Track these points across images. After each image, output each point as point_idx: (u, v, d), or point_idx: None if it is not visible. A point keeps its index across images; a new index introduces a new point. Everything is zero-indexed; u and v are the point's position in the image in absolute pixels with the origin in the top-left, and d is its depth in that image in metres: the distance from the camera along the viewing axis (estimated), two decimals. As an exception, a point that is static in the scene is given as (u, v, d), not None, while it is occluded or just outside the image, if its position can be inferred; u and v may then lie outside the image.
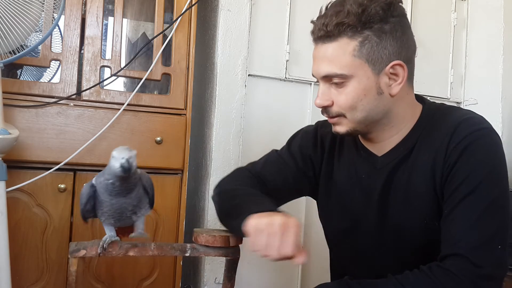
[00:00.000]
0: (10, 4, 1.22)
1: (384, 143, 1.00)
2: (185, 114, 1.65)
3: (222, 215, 1.06)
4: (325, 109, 0.97)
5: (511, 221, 0.88)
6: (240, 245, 1.04)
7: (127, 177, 0.91)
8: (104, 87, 1.60)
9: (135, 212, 0.98)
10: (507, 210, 0.88)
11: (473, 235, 0.85)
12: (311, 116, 1.91)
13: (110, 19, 1.70)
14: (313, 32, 0.95)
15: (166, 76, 1.67)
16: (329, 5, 0.93)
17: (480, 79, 2.19)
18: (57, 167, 1.46)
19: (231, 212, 0.99)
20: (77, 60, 1.54)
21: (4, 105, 1.31)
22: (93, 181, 0.95)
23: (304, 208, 1.91)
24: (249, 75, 1.83)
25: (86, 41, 1.56)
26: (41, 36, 1.45)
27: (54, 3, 1.34)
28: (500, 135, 0.93)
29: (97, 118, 1.53)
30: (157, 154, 1.60)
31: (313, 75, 0.97)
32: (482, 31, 2.19)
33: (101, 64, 1.58)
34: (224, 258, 1.08)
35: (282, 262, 1.78)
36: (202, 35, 1.97)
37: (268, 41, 1.87)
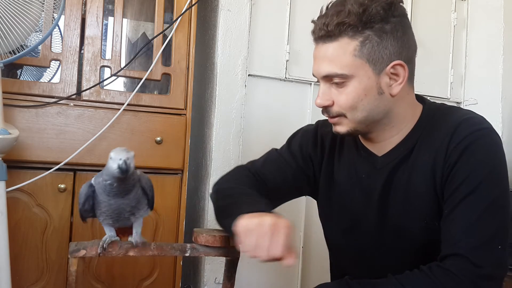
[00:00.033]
0: (10, 4, 1.22)
1: (385, 143, 1.00)
2: (185, 114, 1.65)
3: (217, 214, 1.06)
4: (325, 109, 0.97)
5: (511, 221, 0.88)
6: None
7: (124, 178, 0.90)
8: (104, 87, 1.60)
9: (134, 213, 0.98)
10: (507, 210, 0.88)
11: (473, 235, 0.84)
12: (311, 116, 1.91)
13: (110, 19, 1.70)
14: (313, 32, 0.94)
15: (166, 76, 1.67)
16: (330, 4, 0.93)
17: (480, 79, 2.19)
18: (57, 167, 1.46)
19: (225, 211, 0.99)
20: (77, 60, 1.54)
21: (4, 105, 1.31)
22: (92, 181, 0.95)
23: (304, 208, 1.91)
24: (249, 75, 1.83)
25: (86, 41, 1.56)
26: (41, 36, 1.45)
27: (54, 3, 1.34)
28: (500, 135, 0.93)
29: (97, 118, 1.53)
30: (157, 154, 1.60)
31: (313, 75, 0.97)
32: (482, 31, 2.19)
33: (101, 64, 1.58)
34: (224, 258, 1.08)
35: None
36: (202, 35, 1.97)
37: (268, 41, 1.87)
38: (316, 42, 0.95)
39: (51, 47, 1.53)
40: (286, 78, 1.89)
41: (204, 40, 1.95)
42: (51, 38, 1.54)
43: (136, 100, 1.60)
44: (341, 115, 0.95)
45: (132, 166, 0.90)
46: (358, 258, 1.06)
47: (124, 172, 0.88)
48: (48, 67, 1.62)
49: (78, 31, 1.55)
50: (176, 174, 1.64)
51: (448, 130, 0.92)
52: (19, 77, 1.69)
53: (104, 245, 0.96)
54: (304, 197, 1.77)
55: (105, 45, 1.70)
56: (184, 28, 1.67)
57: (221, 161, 1.76)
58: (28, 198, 1.47)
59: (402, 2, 0.93)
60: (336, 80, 0.92)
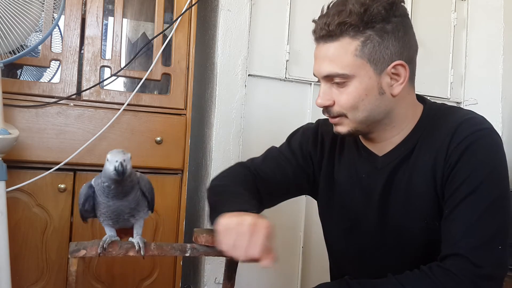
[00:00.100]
0: (10, 4, 1.22)
1: (385, 143, 1.00)
2: (185, 114, 1.65)
3: (209, 211, 1.06)
4: (326, 109, 0.97)
5: (511, 221, 0.88)
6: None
7: (121, 180, 0.90)
8: (104, 87, 1.60)
9: (133, 215, 0.98)
10: (507, 210, 0.88)
11: (473, 235, 0.85)
12: (311, 116, 1.92)
13: (110, 19, 1.70)
14: (314, 32, 0.94)
15: (166, 76, 1.67)
16: (331, 4, 0.93)
17: (480, 79, 2.19)
18: (57, 167, 1.46)
19: (213, 208, 0.98)
20: (77, 60, 1.54)
21: (4, 105, 1.31)
22: (92, 182, 0.95)
23: (304, 208, 1.91)
24: (249, 75, 1.83)
25: (86, 41, 1.56)
26: (41, 36, 1.45)
27: (54, 3, 1.34)
28: (500, 135, 0.93)
29: (97, 118, 1.53)
30: (157, 154, 1.60)
31: (314, 75, 0.97)
32: (482, 31, 2.19)
33: (101, 64, 1.58)
34: (224, 258, 1.08)
35: (282, 261, 1.77)
36: (202, 35, 1.97)
37: (268, 41, 1.87)
38: (317, 41, 0.95)
39: (51, 47, 1.53)
40: (286, 78, 1.89)
41: (204, 40, 1.95)
42: (51, 38, 1.54)
43: (136, 100, 1.60)
44: (342, 115, 0.95)
45: (129, 168, 0.90)
46: (358, 258, 1.06)
47: (121, 174, 0.88)
48: (48, 67, 1.62)
49: (78, 31, 1.55)
50: (176, 174, 1.64)
51: (449, 130, 0.92)
52: (19, 77, 1.69)
53: (104, 245, 0.96)
54: (304, 197, 1.77)
55: (105, 45, 1.70)
56: (184, 28, 1.67)
57: (221, 161, 1.76)
58: (28, 198, 1.47)
59: (404, 2, 0.93)
60: (337, 80, 0.92)
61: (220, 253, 0.89)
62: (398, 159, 0.97)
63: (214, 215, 0.92)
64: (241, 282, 1.68)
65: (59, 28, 1.60)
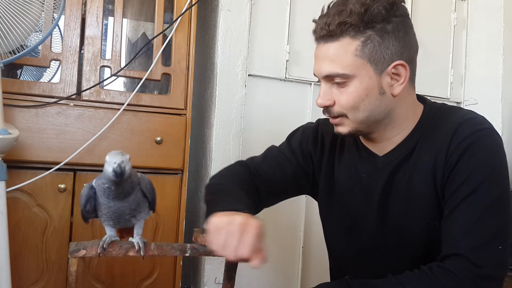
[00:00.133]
0: (10, 4, 1.22)
1: (385, 143, 1.00)
2: (185, 114, 1.65)
3: (206, 209, 1.06)
4: (326, 109, 0.96)
5: (511, 221, 0.88)
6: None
7: (121, 181, 0.90)
8: (104, 87, 1.60)
9: (134, 216, 0.98)
10: (507, 210, 0.88)
11: (473, 235, 0.84)
12: (311, 116, 1.91)
13: (110, 19, 1.70)
14: (315, 31, 0.94)
15: (166, 76, 1.67)
16: (332, 4, 0.93)
17: (480, 79, 2.19)
18: (57, 167, 1.46)
19: (208, 207, 0.98)
20: (77, 60, 1.54)
21: (4, 105, 1.31)
22: (93, 183, 0.96)
23: (304, 208, 1.91)
24: (249, 75, 1.83)
25: (86, 41, 1.56)
26: (41, 36, 1.45)
27: (54, 3, 1.34)
28: (500, 135, 0.93)
29: (97, 118, 1.53)
30: (157, 154, 1.60)
31: (314, 75, 0.97)
32: (482, 31, 2.19)
33: (101, 64, 1.58)
34: (224, 258, 1.08)
35: (282, 261, 1.77)
36: (202, 35, 1.97)
37: (268, 41, 1.87)
38: (317, 41, 0.94)
39: (51, 47, 1.53)
40: (286, 78, 1.89)
41: (204, 40, 1.95)
42: (51, 38, 1.54)
43: (136, 100, 1.60)
44: (342, 115, 0.95)
45: (128, 169, 0.90)
46: (358, 258, 1.06)
47: (119, 175, 0.88)
48: (48, 67, 1.62)
49: (78, 31, 1.55)
50: (176, 174, 1.64)
51: (449, 130, 0.92)
52: (19, 77, 1.69)
53: (104, 245, 0.96)
54: (304, 197, 1.77)
55: (105, 45, 1.70)
56: (184, 28, 1.67)
57: (221, 161, 1.76)
58: (28, 198, 1.47)
59: (404, 2, 0.93)
60: (338, 80, 0.92)
61: (211, 253, 0.89)
62: (398, 159, 0.97)
63: (208, 213, 0.92)
64: (241, 282, 1.68)
65: (59, 28, 1.60)
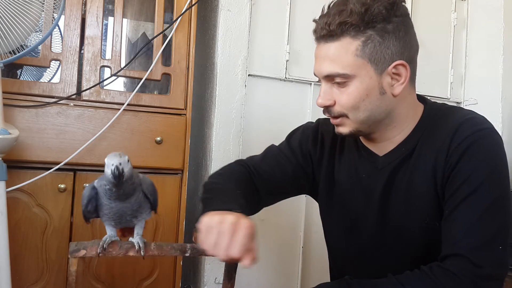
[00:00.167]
0: (10, 4, 1.22)
1: (386, 143, 0.99)
2: (185, 114, 1.65)
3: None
4: (326, 109, 0.96)
5: (511, 222, 0.88)
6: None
7: (120, 183, 0.91)
8: (104, 87, 1.60)
9: (136, 216, 0.99)
10: (508, 210, 0.88)
11: (474, 235, 0.84)
12: (311, 116, 1.91)
13: (110, 19, 1.70)
14: (315, 31, 0.94)
15: (166, 76, 1.67)
16: (332, 4, 0.93)
17: (480, 79, 2.19)
18: (57, 167, 1.46)
19: (203, 206, 0.98)
20: (77, 60, 1.54)
21: (4, 105, 1.31)
22: (95, 183, 0.96)
23: (304, 208, 1.91)
24: (249, 75, 1.83)
25: (86, 41, 1.56)
26: (41, 36, 1.45)
27: (54, 3, 1.34)
28: (500, 135, 0.93)
29: (97, 118, 1.53)
30: (157, 154, 1.60)
31: (315, 74, 0.97)
32: (482, 31, 2.19)
33: (101, 64, 1.58)
34: (224, 258, 1.08)
35: (282, 261, 1.77)
36: (202, 35, 1.97)
37: (268, 41, 1.87)
38: (317, 41, 0.94)
39: (51, 47, 1.53)
40: (286, 78, 1.89)
41: (204, 40, 1.95)
42: (51, 38, 1.54)
43: (136, 100, 1.60)
44: (343, 115, 0.95)
45: (127, 170, 0.90)
46: (358, 258, 1.06)
47: (117, 177, 0.89)
48: (48, 67, 1.62)
49: (78, 31, 1.55)
50: (176, 174, 1.64)
51: (450, 130, 0.92)
52: (19, 77, 1.69)
53: (104, 245, 0.96)
54: (304, 197, 1.77)
55: (105, 45, 1.70)
56: (184, 28, 1.67)
57: (221, 161, 1.75)
58: (28, 198, 1.47)
59: (404, 2, 0.93)
60: (338, 80, 0.92)
61: (202, 252, 0.89)
62: (398, 159, 0.97)
63: (202, 212, 0.92)
64: (241, 282, 1.68)
65: (59, 28, 1.60)
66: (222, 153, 1.77)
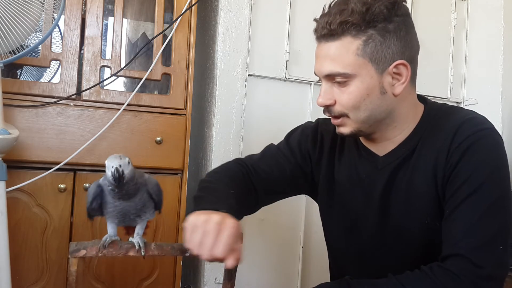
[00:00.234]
0: (10, 4, 1.22)
1: (386, 143, 0.99)
2: (185, 114, 1.65)
3: None
4: (327, 108, 0.96)
5: (512, 222, 0.88)
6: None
7: (121, 185, 0.91)
8: (104, 87, 1.60)
9: (139, 216, 0.99)
10: (508, 210, 0.88)
11: (474, 236, 0.84)
12: (311, 116, 1.91)
13: (110, 19, 1.70)
14: (316, 31, 0.94)
15: (166, 76, 1.67)
16: (333, 3, 0.93)
17: (480, 79, 2.19)
18: (57, 167, 1.46)
19: (194, 204, 0.98)
20: (77, 60, 1.54)
21: (4, 105, 1.31)
22: (100, 181, 0.96)
23: (304, 208, 1.91)
24: (249, 75, 1.83)
25: (86, 41, 1.56)
26: (41, 36, 1.45)
27: (54, 3, 1.34)
28: (500, 135, 0.93)
29: (97, 118, 1.53)
30: (157, 154, 1.60)
31: (315, 74, 0.97)
32: (482, 31, 2.19)
33: (101, 64, 1.57)
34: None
35: (282, 261, 1.77)
36: (202, 35, 1.97)
37: (268, 41, 1.87)
38: (318, 40, 0.94)
39: (51, 47, 1.53)
40: (286, 78, 1.89)
41: (204, 40, 1.95)
42: (51, 38, 1.54)
43: (136, 100, 1.60)
44: (343, 115, 0.95)
45: (128, 172, 0.91)
46: (358, 258, 1.06)
47: (117, 179, 0.89)
48: (48, 67, 1.62)
49: (78, 31, 1.54)
50: (176, 174, 1.64)
51: (450, 130, 0.91)
52: (19, 77, 1.69)
53: (105, 244, 0.96)
54: (304, 197, 1.77)
55: (105, 45, 1.70)
56: (184, 28, 1.67)
57: (221, 161, 1.74)
58: (28, 198, 1.46)
59: (405, 2, 0.93)
60: (339, 79, 0.92)
61: (186, 252, 0.89)
62: (399, 159, 0.97)
63: (191, 211, 0.92)
64: (241, 282, 1.68)
65: (59, 28, 1.60)
66: (222, 153, 1.76)
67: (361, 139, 1.05)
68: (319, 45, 0.94)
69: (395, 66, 0.91)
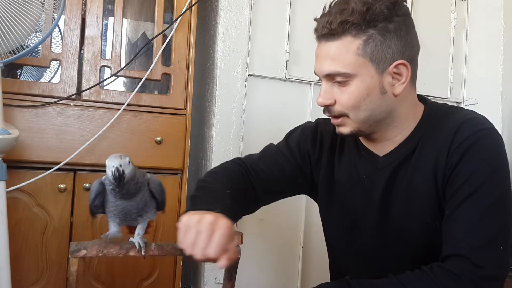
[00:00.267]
0: (10, 4, 1.22)
1: (386, 143, 0.99)
2: (185, 114, 1.65)
3: None
4: (327, 108, 0.96)
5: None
6: (240, 245, 1.04)
7: (121, 184, 0.91)
8: (104, 87, 1.60)
9: (141, 215, 0.99)
10: (509, 210, 0.88)
11: (474, 236, 0.84)
12: (311, 116, 1.91)
13: (110, 19, 1.70)
14: (316, 30, 0.94)
15: (166, 76, 1.67)
16: (333, 3, 0.93)
17: (480, 79, 2.19)
18: (57, 167, 1.46)
19: (189, 204, 0.98)
20: (77, 60, 1.54)
21: (4, 105, 1.31)
22: (103, 178, 0.97)
23: (304, 208, 1.91)
24: (249, 75, 1.83)
25: (86, 41, 1.56)
26: (41, 36, 1.45)
27: (54, 3, 1.34)
28: (501, 135, 0.93)
29: (97, 118, 1.53)
30: (157, 154, 1.60)
31: (315, 73, 0.97)
32: (482, 31, 2.19)
33: (101, 64, 1.57)
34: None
35: (282, 261, 1.77)
36: (202, 35, 1.97)
37: (268, 41, 1.87)
38: (318, 40, 0.94)
39: (51, 47, 1.53)
40: (286, 78, 1.89)
41: (204, 40, 1.95)
42: (51, 38, 1.54)
43: (136, 100, 1.59)
44: (343, 115, 0.95)
45: (128, 172, 0.91)
46: (359, 258, 1.06)
47: (117, 179, 0.89)
48: (48, 67, 1.62)
49: (78, 31, 1.54)
50: (176, 174, 1.64)
51: (451, 130, 0.91)
52: (19, 77, 1.69)
53: (107, 240, 0.96)
54: (304, 197, 1.77)
55: (105, 45, 1.70)
56: (184, 28, 1.67)
57: (221, 161, 1.73)
58: (28, 198, 1.46)
59: (406, 1, 0.93)
60: (339, 79, 0.92)
61: (178, 252, 0.89)
62: (399, 159, 0.97)
63: (186, 210, 0.92)
64: (241, 282, 1.68)
65: (59, 28, 1.60)
66: (222, 153, 1.76)
67: (361, 139, 1.05)
68: (319, 44, 0.94)
69: (395, 66, 0.91)
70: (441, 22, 2.21)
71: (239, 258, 1.06)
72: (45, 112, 1.48)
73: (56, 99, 1.49)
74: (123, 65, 1.61)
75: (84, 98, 1.54)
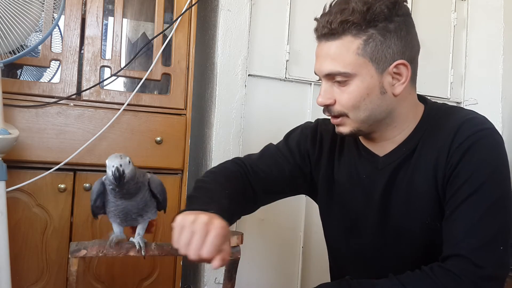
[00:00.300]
0: (10, 4, 1.22)
1: (386, 143, 0.99)
2: (185, 114, 1.65)
3: None
4: (327, 108, 0.96)
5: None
6: (240, 245, 1.04)
7: (121, 184, 0.91)
8: (104, 87, 1.60)
9: (141, 215, 0.99)
10: (509, 210, 0.87)
11: (475, 236, 0.84)
12: (311, 116, 1.91)
13: (110, 19, 1.70)
14: (316, 30, 0.94)
15: (166, 76, 1.67)
16: (334, 2, 0.92)
17: (480, 79, 2.19)
18: (57, 167, 1.46)
19: (186, 204, 0.98)
20: (77, 60, 1.54)
21: (4, 105, 1.31)
22: (103, 178, 0.97)
23: (304, 208, 1.91)
24: (249, 75, 1.83)
25: (86, 41, 1.56)
26: (41, 36, 1.45)
27: (54, 3, 1.34)
28: (501, 135, 0.93)
29: (97, 118, 1.53)
30: (157, 154, 1.60)
31: (315, 73, 0.97)
32: (482, 31, 2.19)
33: (101, 64, 1.57)
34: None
35: (282, 261, 1.77)
36: (202, 35, 1.97)
37: (268, 41, 1.87)
38: (319, 40, 0.94)
39: (51, 47, 1.53)
40: (286, 78, 1.89)
41: (204, 40, 1.95)
42: (51, 38, 1.54)
43: (136, 100, 1.59)
44: (343, 114, 0.95)
45: (128, 171, 0.91)
46: (359, 258, 1.06)
47: (117, 179, 0.89)
48: (48, 67, 1.62)
49: (78, 31, 1.54)
50: (176, 174, 1.64)
51: (451, 130, 0.91)
52: (19, 77, 1.69)
53: (112, 244, 0.96)
54: (304, 197, 1.77)
55: (105, 45, 1.70)
56: (184, 28, 1.67)
57: (221, 161, 1.72)
58: (28, 198, 1.46)
59: (406, 1, 0.93)
60: (339, 78, 0.91)
61: (175, 252, 0.89)
62: (399, 159, 0.97)
63: (182, 210, 0.92)
64: (241, 282, 1.68)
65: (59, 28, 1.60)
66: (222, 153, 1.76)
67: (361, 139, 1.04)
68: (320, 44, 0.94)
69: (395, 66, 0.91)
70: (441, 22, 2.21)
71: (239, 258, 1.06)
72: (45, 112, 1.48)
73: (56, 99, 1.49)
74: (123, 65, 1.61)
75: (84, 98, 1.54)
